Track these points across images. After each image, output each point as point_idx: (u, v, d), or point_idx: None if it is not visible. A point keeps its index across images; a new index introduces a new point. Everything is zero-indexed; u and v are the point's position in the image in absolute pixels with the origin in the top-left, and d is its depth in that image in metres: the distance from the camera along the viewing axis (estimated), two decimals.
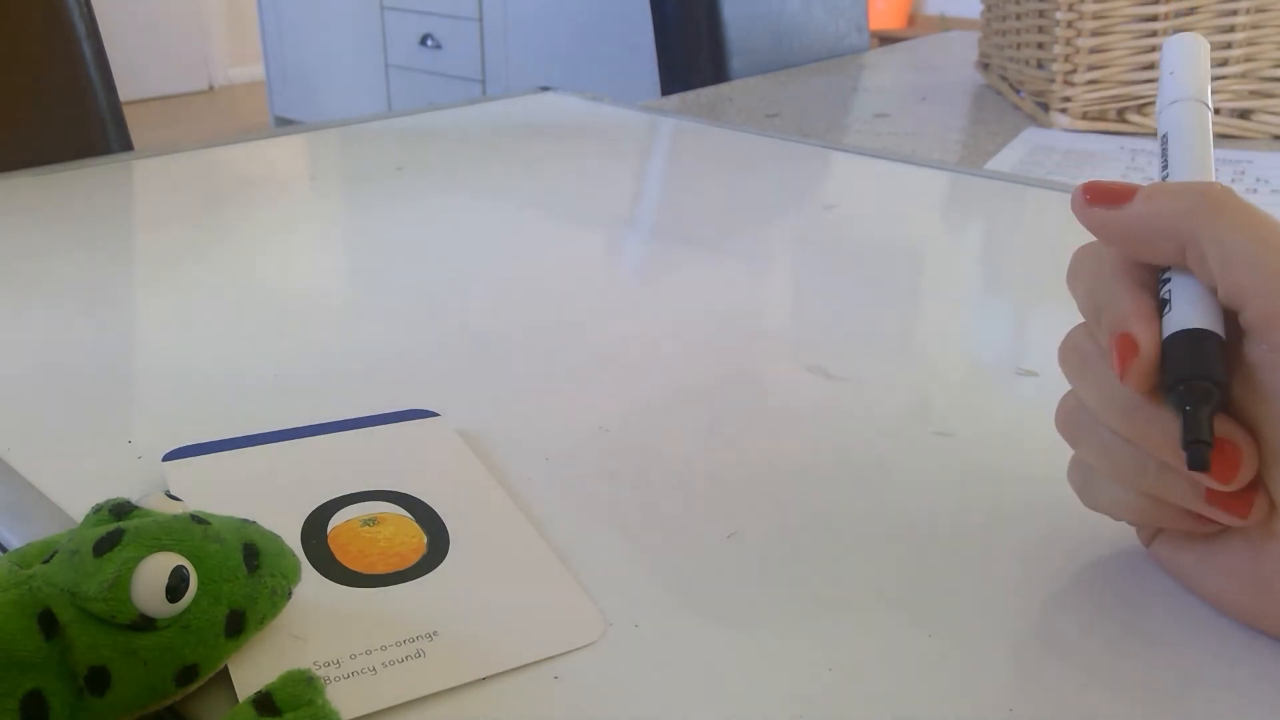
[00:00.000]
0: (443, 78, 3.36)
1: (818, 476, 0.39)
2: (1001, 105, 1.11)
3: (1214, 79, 0.96)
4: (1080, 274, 0.33)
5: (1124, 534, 0.36)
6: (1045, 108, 1.03)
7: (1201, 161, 0.33)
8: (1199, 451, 0.27)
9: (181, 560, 0.26)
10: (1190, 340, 0.29)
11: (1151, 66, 0.96)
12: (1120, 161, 0.90)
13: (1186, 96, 0.35)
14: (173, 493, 0.30)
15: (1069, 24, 0.97)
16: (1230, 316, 0.29)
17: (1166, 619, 0.32)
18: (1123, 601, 0.33)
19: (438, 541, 0.34)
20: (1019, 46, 1.09)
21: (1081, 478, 0.33)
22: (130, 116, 0.90)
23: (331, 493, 0.36)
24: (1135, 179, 0.84)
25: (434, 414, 0.42)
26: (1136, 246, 0.31)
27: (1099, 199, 0.31)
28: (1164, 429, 0.29)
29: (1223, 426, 0.28)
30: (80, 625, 0.25)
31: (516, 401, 0.44)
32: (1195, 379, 0.28)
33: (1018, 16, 1.08)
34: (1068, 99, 0.99)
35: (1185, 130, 0.34)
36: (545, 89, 1.04)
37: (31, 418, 0.42)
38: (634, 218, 0.70)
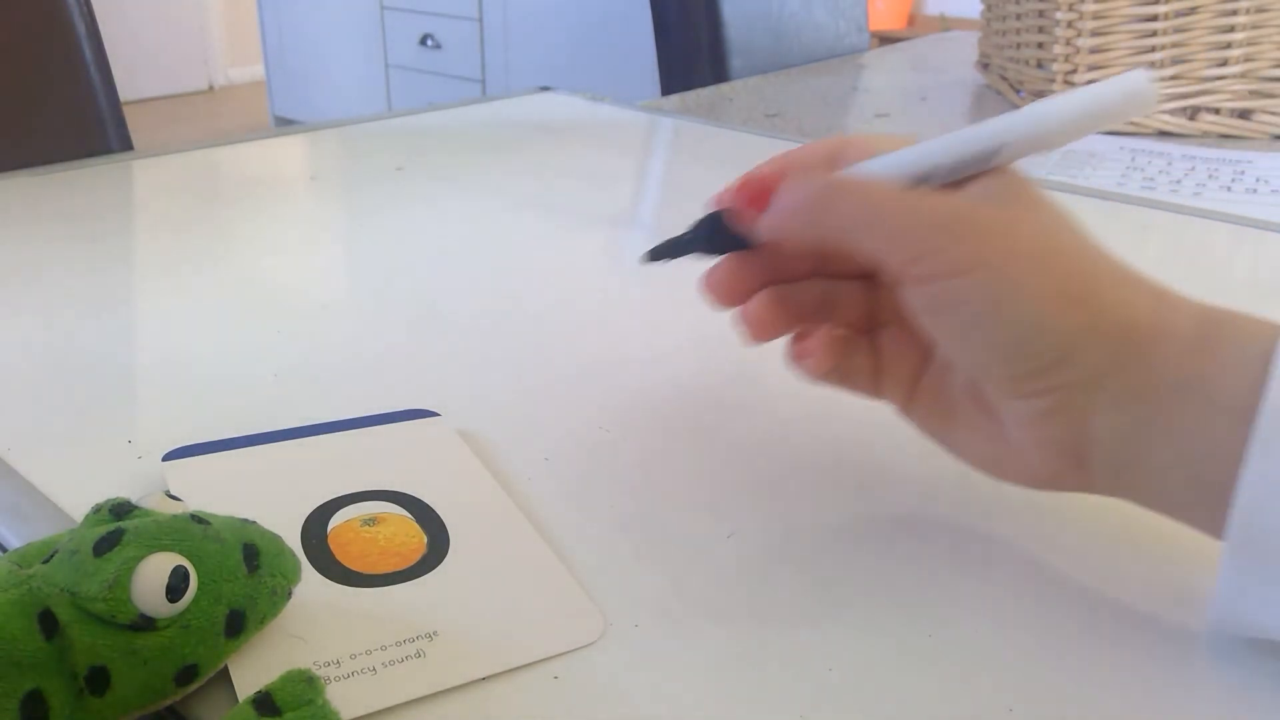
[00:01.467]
0: (443, 78, 3.36)
1: (818, 476, 0.39)
2: (1001, 105, 1.11)
3: (1214, 79, 0.96)
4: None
5: (1124, 534, 0.36)
6: None
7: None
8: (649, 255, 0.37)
9: (181, 560, 0.26)
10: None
11: (1151, 66, 0.96)
12: (1120, 161, 0.90)
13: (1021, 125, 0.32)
14: (173, 493, 0.30)
15: (1069, 24, 0.97)
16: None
17: (1166, 619, 0.32)
18: (1123, 601, 0.33)
19: (438, 541, 0.34)
20: (1019, 46, 1.09)
21: None
22: (130, 116, 0.90)
23: (331, 493, 0.36)
24: (1135, 179, 0.84)
25: (434, 414, 0.42)
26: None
27: (753, 203, 0.34)
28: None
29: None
30: (80, 625, 0.25)
31: (516, 402, 0.44)
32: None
33: (1018, 16, 1.08)
34: None
35: (966, 137, 0.33)
36: (545, 89, 1.04)
37: (31, 418, 0.42)
38: (634, 218, 0.70)
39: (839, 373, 0.36)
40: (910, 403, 0.36)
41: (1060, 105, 0.32)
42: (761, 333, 0.36)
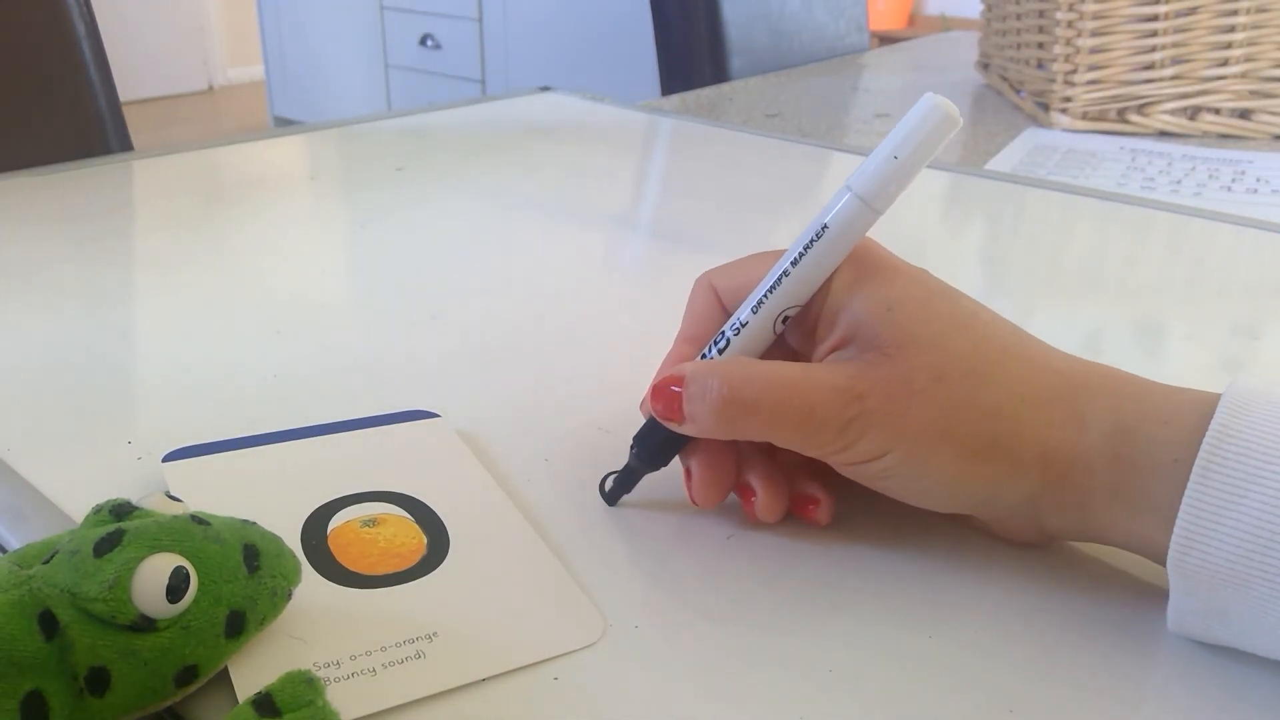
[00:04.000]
0: (443, 78, 3.36)
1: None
2: (1001, 105, 1.11)
3: (1214, 79, 0.96)
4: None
5: None
6: (1045, 108, 1.03)
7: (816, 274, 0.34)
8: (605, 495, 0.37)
9: (182, 561, 0.26)
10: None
11: (1152, 66, 0.96)
12: (1120, 162, 0.90)
13: (861, 192, 0.33)
14: (173, 493, 0.30)
15: (1069, 24, 0.97)
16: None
17: (1166, 619, 0.32)
18: (1123, 601, 0.33)
19: (438, 542, 0.34)
20: (1019, 46, 1.09)
21: None
22: (130, 116, 0.90)
23: (331, 493, 0.36)
24: (1135, 179, 0.84)
25: (434, 414, 0.42)
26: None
27: (670, 413, 0.34)
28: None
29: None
30: (80, 626, 0.25)
31: (516, 402, 0.44)
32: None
33: (1018, 16, 1.08)
34: (1068, 99, 0.99)
35: (833, 237, 0.34)
36: (545, 89, 1.04)
37: (31, 418, 0.42)
38: (634, 218, 0.70)
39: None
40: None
41: (875, 165, 0.33)
42: (777, 515, 0.36)
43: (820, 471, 0.36)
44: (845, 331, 0.34)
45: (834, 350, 0.34)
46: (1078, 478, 0.32)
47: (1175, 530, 0.29)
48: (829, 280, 0.34)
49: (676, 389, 0.34)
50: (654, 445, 0.36)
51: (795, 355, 0.36)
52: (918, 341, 0.32)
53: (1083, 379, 0.33)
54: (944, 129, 0.32)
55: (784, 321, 0.35)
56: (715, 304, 0.37)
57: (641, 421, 0.37)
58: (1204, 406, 0.30)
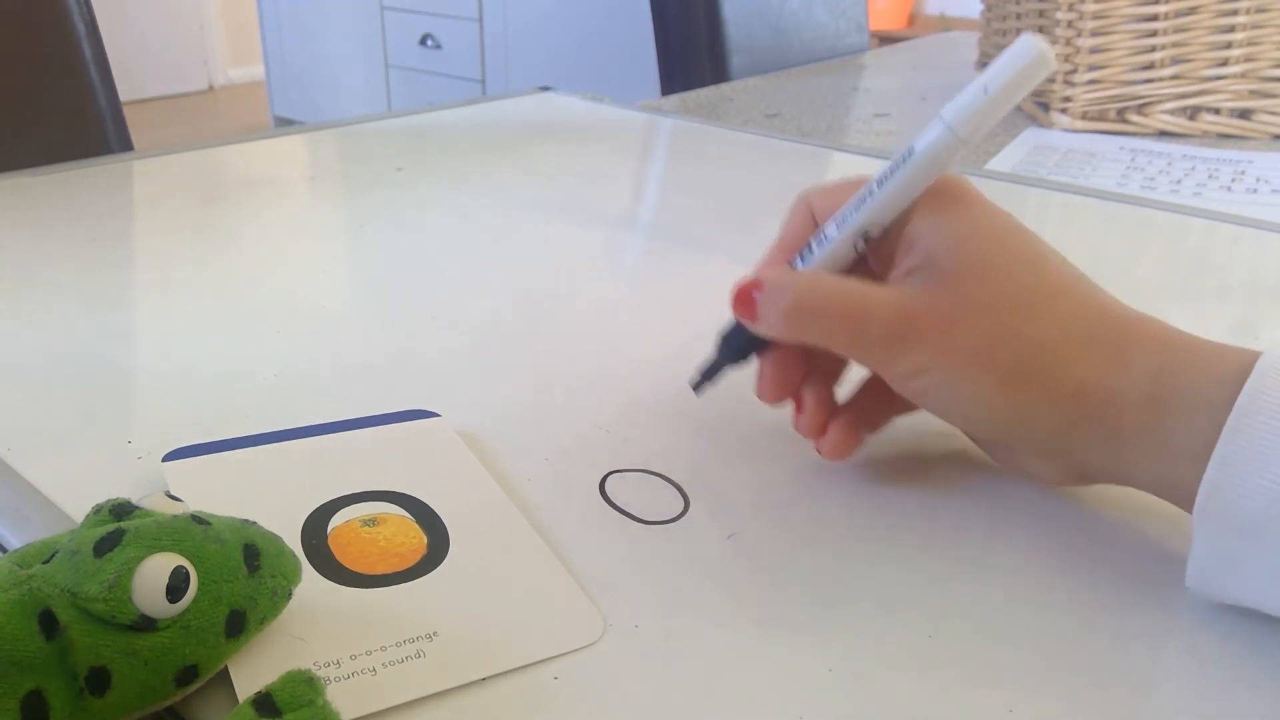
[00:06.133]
0: (443, 78, 3.36)
1: (817, 477, 0.39)
2: None
3: (1214, 79, 0.96)
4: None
5: (1124, 533, 0.36)
6: (1045, 108, 1.03)
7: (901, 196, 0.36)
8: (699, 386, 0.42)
9: (182, 560, 0.26)
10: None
11: (1151, 66, 0.96)
12: (1120, 162, 0.90)
13: (950, 123, 0.34)
14: (173, 493, 0.30)
15: (1069, 24, 0.97)
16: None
17: (1166, 619, 0.32)
18: (1123, 601, 0.33)
19: (438, 542, 0.34)
20: None
21: None
22: (130, 116, 0.90)
23: (331, 493, 0.36)
24: (1135, 179, 0.84)
25: (434, 414, 0.42)
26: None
27: (747, 314, 0.38)
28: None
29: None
30: (80, 625, 0.25)
31: (516, 402, 0.44)
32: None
33: (1018, 16, 1.08)
34: (1068, 99, 0.99)
35: (920, 162, 0.35)
36: (545, 89, 1.04)
37: (31, 418, 0.42)
38: (634, 218, 0.70)
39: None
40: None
41: (968, 98, 0.34)
42: (817, 432, 0.39)
43: (860, 418, 0.39)
44: (919, 259, 0.35)
45: (908, 274, 0.36)
46: (1111, 416, 0.33)
47: (1205, 474, 0.30)
48: (911, 209, 0.36)
49: (756, 293, 0.37)
50: (736, 344, 0.40)
51: (876, 277, 0.38)
52: (977, 272, 0.34)
53: (1132, 325, 0.34)
54: (1036, 68, 0.33)
55: (865, 241, 0.37)
56: (809, 218, 0.40)
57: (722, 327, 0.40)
58: (1245, 362, 0.31)
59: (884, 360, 0.35)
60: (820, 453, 0.39)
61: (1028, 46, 0.33)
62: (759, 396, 0.39)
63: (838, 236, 0.37)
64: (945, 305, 0.34)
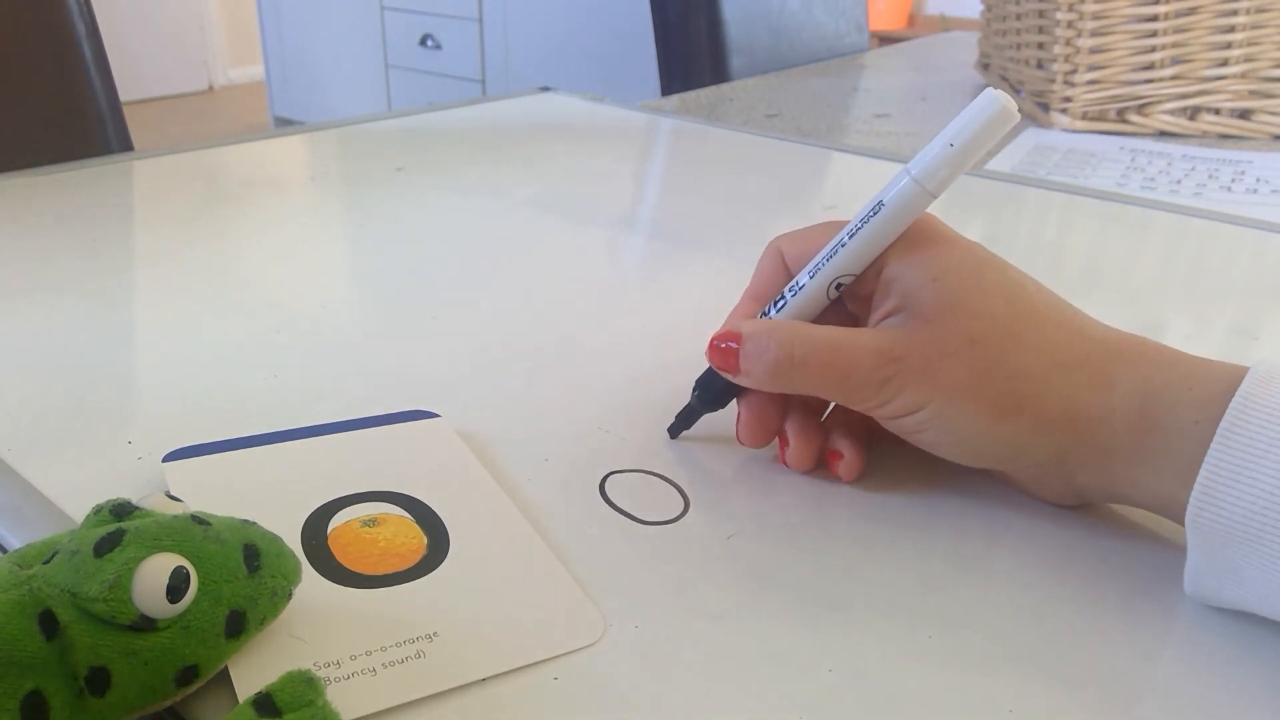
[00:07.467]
0: (443, 78, 3.36)
1: (817, 477, 0.39)
2: None
3: (1214, 79, 0.96)
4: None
5: (1124, 534, 0.36)
6: (1045, 108, 1.03)
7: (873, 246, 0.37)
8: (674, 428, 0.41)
9: (182, 561, 0.26)
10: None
11: (1151, 66, 0.96)
12: (1120, 162, 0.90)
13: (920, 174, 0.35)
14: (173, 493, 0.30)
15: (1069, 24, 0.97)
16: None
17: (1166, 618, 0.32)
18: (1123, 601, 0.33)
19: (438, 542, 0.34)
20: (1019, 46, 1.09)
21: None
22: (130, 116, 0.90)
23: (331, 493, 0.36)
24: (1135, 179, 0.84)
25: (434, 414, 0.42)
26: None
27: (727, 366, 0.38)
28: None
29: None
30: (81, 626, 0.25)
31: (516, 402, 0.44)
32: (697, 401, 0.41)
33: (1018, 16, 1.08)
34: (1068, 99, 0.99)
35: (887, 214, 0.36)
36: (545, 89, 1.04)
37: (31, 418, 0.42)
38: (634, 218, 0.70)
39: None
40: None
41: (933, 152, 0.35)
42: (806, 464, 0.39)
43: (855, 432, 0.39)
44: (897, 300, 0.36)
45: (886, 317, 0.36)
46: (1102, 438, 0.33)
47: (1195, 486, 0.30)
48: (886, 252, 0.37)
49: (734, 345, 0.37)
50: (714, 390, 0.40)
51: (854, 320, 0.39)
52: (958, 308, 0.35)
53: (1115, 346, 0.34)
54: (999, 121, 0.34)
55: (837, 288, 0.37)
56: (781, 266, 0.40)
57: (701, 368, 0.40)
58: (1231, 375, 0.32)
59: (875, 403, 0.36)
60: (839, 477, 0.38)
61: (991, 101, 0.34)
62: (741, 441, 0.39)
63: (810, 285, 0.38)
64: (930, 344, 0.35)
